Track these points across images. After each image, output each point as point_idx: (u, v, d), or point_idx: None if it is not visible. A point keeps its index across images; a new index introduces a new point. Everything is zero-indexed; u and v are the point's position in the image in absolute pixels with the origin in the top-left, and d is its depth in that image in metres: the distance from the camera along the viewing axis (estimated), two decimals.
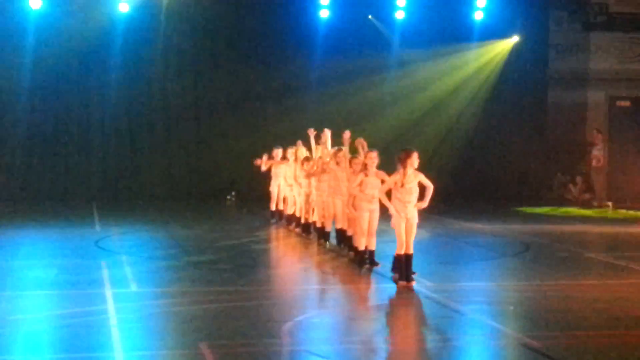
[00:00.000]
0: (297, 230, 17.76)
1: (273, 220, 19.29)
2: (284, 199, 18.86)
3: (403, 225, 12.21)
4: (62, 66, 24.16)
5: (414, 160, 12.18)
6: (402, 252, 12.23)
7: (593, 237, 19.09)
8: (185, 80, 25.26)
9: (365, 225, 13.43)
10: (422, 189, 12.35)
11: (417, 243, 13.56)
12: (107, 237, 17.15)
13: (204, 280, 12.80)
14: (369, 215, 13.43)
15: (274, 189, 19.10)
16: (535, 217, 21.85)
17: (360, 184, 13.39)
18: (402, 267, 12.22)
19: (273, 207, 19.32)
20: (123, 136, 24.86)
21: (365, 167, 13.42)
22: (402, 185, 12.18)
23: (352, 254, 14.31)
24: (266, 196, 19.56)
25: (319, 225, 16.31)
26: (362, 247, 13.58)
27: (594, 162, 25.38)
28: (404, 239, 12.22)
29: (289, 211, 18.45)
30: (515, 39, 26.12)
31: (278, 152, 19.00)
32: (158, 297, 11.49)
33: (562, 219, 21.77)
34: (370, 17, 25.48)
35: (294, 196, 18.10)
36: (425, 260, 14.29)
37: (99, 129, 24.69)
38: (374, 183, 13.23)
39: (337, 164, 14.98)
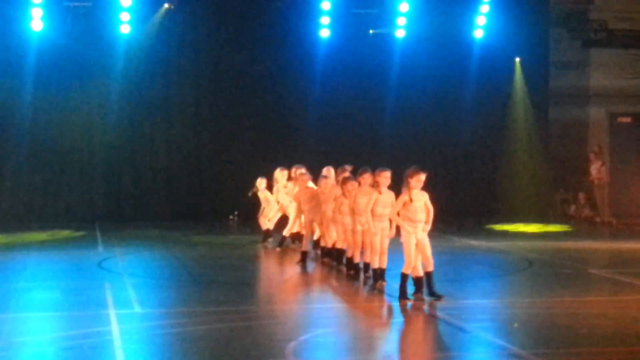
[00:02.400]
0: (293, 245, 17.80)
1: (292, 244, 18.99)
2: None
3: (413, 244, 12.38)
4: (63, 87, 24.22)
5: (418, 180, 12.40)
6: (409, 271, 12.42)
7: (596, 253, 19.07)
8: (186, 99, 25.32)
9: (377, 244, 13.49)
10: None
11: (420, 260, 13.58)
12: (110, 258, 17.14)
13: (207, 300, 12.78)
14: (381, 234, 13.49)
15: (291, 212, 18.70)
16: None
17: (375, 202, 13.48)
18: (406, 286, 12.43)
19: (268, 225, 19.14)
20: (125, 156, 24.89)
21: (377, 185, 13.50)
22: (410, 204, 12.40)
23: (349, 271, 14.57)
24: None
25: (322, 244, 16.37)
26: (376, 266, 13.60)
27: (595, 180, 25.43)
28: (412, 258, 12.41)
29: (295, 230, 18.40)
30: None
31: (282, 174, 18.73)
32: (162, 318, 11.47)
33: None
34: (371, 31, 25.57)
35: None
36: None
37: (101, 150, 24.72)
38: (386, 202, 13.33)
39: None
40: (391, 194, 13.31)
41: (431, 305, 12.18)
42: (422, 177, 12.44)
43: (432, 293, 12.47)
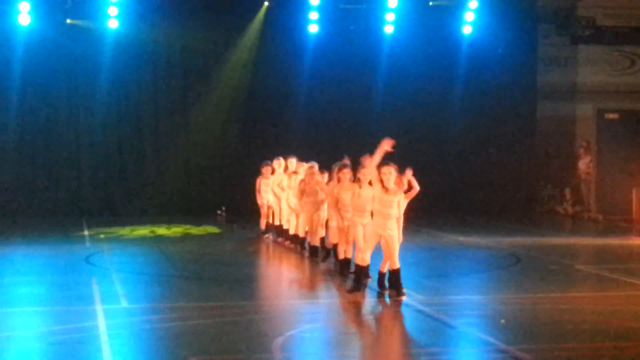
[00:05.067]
0: (287, 243, 17.78)
1: (266, 235, 19.17)
2: (273, 212, 18.87)
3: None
4: (51, 82, 24.11)
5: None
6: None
7: (583, 249, 19.14)
8: (174, 95, 25.23)
9: (361, 239, 13.41)
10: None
11: (408, 256, 13.59)
12: (98, 253, 17.11)
13: (194, 295, 12.78)
14: (363, 229, 13.43)
15: (262, 203, 19.06)
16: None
17: (353, 195, 13.50)
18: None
19: (264, 224, 19.28)
20: (113, 151, 24.80)
21: (359, 180, 13.50)
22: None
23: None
24: (256, 211, 19.55)
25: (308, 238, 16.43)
26: (361, 262, 13.45)
27: (583, 175, 25.52)
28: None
29: (277, 223, 18.49)
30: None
31: (279, 163, 18.71)
32: (149, 313, 11.47)
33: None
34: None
35: (280, 208, 18.15)
36: (416, 273, 14.32)
37: (88, 145, 24.63)
38: (367, 196, 13.25)
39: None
40: (372, 189, 13.08)
41: (418, 301, 12.20)
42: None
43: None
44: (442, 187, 25.53)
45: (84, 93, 24.52)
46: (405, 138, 25.73)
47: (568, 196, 26.10)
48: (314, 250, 15.99)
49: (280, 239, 18.34)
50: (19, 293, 13.05)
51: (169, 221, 22.62)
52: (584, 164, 25.38)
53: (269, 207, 18.98)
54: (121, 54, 24.33)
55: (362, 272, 12.80)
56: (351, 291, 12.64)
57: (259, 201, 19.17)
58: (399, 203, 12.49)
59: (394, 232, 12.45)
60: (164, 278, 14.67)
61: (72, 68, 24.28)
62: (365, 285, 13.01)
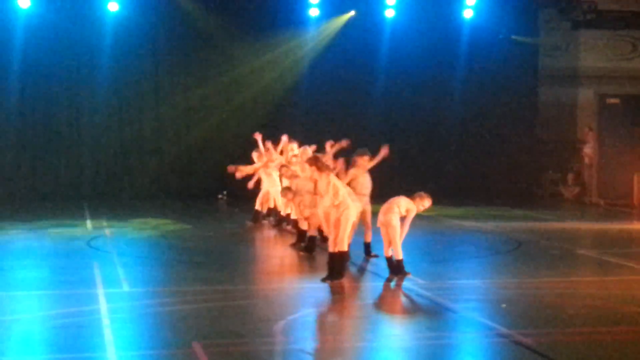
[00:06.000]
0: (289, 227, 17.78)
1: (268, 219, 19.19)
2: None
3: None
4: (51, 65, 24.12)
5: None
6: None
7: (584, 233, 19.14)
8: (175, 78, 25.25)
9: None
10: None
11: (409, 241, 13.60)
12: (99, 237, 17.13)
13: (196, 279, 12.80)
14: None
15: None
16: None
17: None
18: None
19: (263, 207, 19.24)
20: (114, 135, 24.84)
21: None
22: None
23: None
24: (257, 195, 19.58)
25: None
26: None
27: (586, 160, 25.50)
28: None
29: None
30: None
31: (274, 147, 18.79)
32: (150, 297, 11.49)
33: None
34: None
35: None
36: (418, 258, 14.33)
37: (89, 128, 24.66)
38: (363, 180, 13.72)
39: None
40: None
41: (419, 285, 12.22)
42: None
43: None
44: (443, 171, 25.54)
45: (84, 76, 24.55)
46: (406, 122, 25.92)
47: (570, 181, 26.09)
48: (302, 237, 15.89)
49: (282, 223, 18.34)
50: (21, 277, 13.07)
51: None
52: (591, 148, 25.36)
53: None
54: (122, 37, 24.33)
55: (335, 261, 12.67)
56: (324, 280, 12.47)
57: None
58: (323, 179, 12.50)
59: (339, 208, 12.40)
60: (166, 262, 14.69)
61: (73, 51, 24.29)
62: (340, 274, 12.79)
